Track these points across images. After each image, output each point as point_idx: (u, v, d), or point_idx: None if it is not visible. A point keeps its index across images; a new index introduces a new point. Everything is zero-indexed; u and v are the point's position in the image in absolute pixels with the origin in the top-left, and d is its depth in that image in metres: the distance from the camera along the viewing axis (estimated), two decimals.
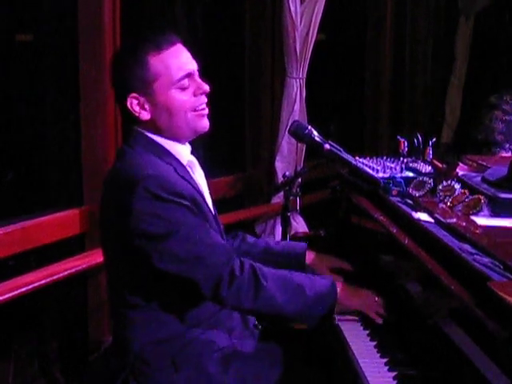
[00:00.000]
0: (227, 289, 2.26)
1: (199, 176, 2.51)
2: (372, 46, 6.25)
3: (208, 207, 2.44)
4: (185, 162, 2.42)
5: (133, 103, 2.32)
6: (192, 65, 2.38)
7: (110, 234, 2.39)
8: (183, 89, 2.34)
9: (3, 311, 3.05)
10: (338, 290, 2.47)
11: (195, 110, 2.37)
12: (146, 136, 2.37)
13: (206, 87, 2.38)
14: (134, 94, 2.31)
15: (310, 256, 2.89)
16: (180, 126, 2.37)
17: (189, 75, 2.35)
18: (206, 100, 2.40)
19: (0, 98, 3.55)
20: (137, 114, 2.33)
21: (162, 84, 2.31)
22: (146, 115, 2.33)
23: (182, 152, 2.43)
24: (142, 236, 2.23)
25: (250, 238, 2.88)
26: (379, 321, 2.53)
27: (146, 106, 2.33)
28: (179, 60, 2.34)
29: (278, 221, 4.66)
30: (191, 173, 2.45)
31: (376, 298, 2.57)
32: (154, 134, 2.38)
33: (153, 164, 2.30)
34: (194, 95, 2.36)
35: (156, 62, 2.30)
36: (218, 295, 2.28)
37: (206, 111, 2.41)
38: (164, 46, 2.31)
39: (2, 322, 3.22)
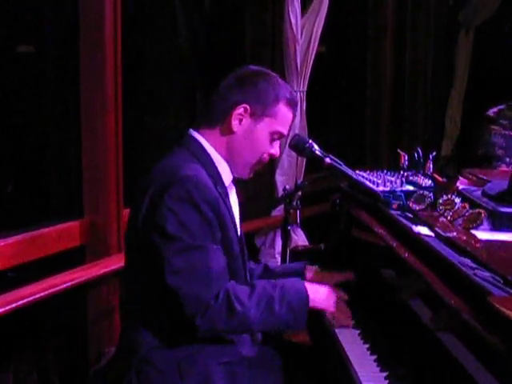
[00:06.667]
0: (201, 319, 2.28)
1: (233, 202, 2.59)
2: (373, 59, 6.26)
3: (234, 227, 2.50)
4: (227, 183, 2.52)
5: (239, 111, 2.47)
6: (287, 131, 2.61)
7: (137, 231, 2.41)
8: (271, 140, 2.54)
9: (3, 323, 3.04)
10: (310, 295, 2.47)
11: (258, 161, 2.57)
12: (200, 143, 2.50)
13: (278, 154, 2.64)
14: (247, 107, 2.47)
15: (309, 273, 2.91)
16: (241, 159, 2.53)
17: (281, 136, 2.59)
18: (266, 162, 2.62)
19: (1, 107, 3.55)
20: (232, 121, 2.47)
21: (269, 122, 2.51)
22: (236, 127, 2.48)
23: (227, 173, 2.54)
24: (157, 229, 2.29)
25: (251, 264, 2.90)
26: (350, 324, 2.62)
27: (243, 122, 2.48)
28: (288, 123, 2.58)
29: (278, 234, 4.66)
30: (229, 194, 2.54)
31: (342, 293, 2.62)
32: (212, 145, 2.50)
33: (196, 169, 2.40)
34: (268, 152, 2.56)
35: (281, 108, 2.52)
36: (193, 322, 2.29)
37: (259, 168, 2.63)
38: (291, 107, 2.56)
39: (2, 333, 3.22)
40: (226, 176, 2.52)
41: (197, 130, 2.53)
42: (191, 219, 2.29)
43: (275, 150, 2.57)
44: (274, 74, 2.58)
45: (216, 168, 2.48)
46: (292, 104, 2.56)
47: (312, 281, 2.82)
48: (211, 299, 2.28)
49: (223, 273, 2.38)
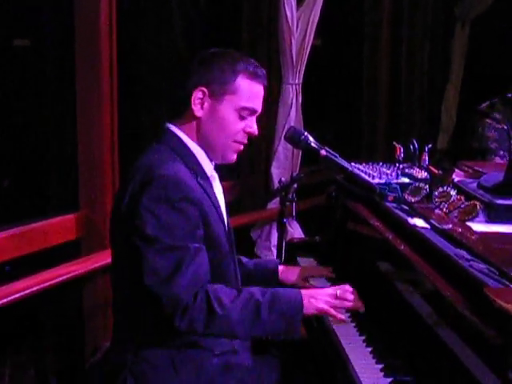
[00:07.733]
0: (180, 319, 2.22)
1: (218, 192, 2.55)
2: (369, 52, 6.25)
3: (222, 222, 2.46)
4: (209, 173, 2.48)
5: (198, 95, 2.41)
6: (259, 107, 2.50)
7: (119, 228, 2.39)
8: (241, 118, 2.44)
9: None
10: (305, 301, 2.36)
11: (235, 142, 2.47)
12: (178, 137, 2.44)
13: (256, 132, 2.51)
14: (204, 89, 2.40)
15: (283, 270, 2.90)
16: (215, 143, 2.46)
17: (253, 112, 2.48)
18: (246, 141, 2.51)
19: None
20: (193, 106, 2.41)
21: (231, 100, 2.41)
22: (199, 111, 2.42)
23: (208, 163, 2.49)
24: (136, 231, 2.25)
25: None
26: (342, 317, 2.42)
27: (205, 106, 2.42)
28: (255, 96, 2.47)
29: (274, 226, 4.65)
30: (213, 185, 2.50)
31: (338, 293, 2.42)
32: (188, 135, 2.45)
33: (176, 167, 2.35)
34: (243, 130, 2.47)
35: (242, 83, 2.42)
36: (172, 322, 2.23)
37: (241, 149, 2.51)
38: (255, 79, 2.45)
39: None
40: (207, 166, 2.47)
41: (173, 122, 2.48)
42: (170, 220, 2.24)
43: (250, 127, 2.48)
44: (232, 51, 2.49)
45: (196, 159, 2.44)
46: (254, 76, 2.45)
47: (286, 274, 2.88)
48: (189, 300, 2.22)
49: (203, 273, 2.31)
